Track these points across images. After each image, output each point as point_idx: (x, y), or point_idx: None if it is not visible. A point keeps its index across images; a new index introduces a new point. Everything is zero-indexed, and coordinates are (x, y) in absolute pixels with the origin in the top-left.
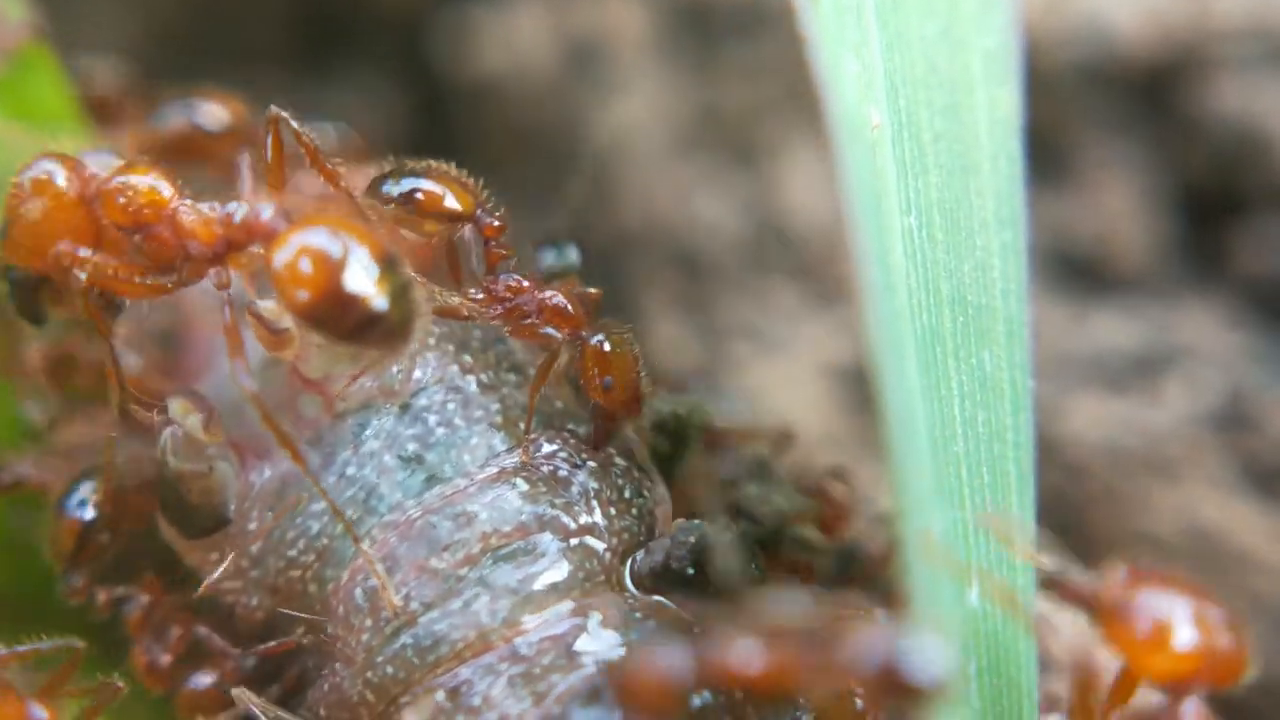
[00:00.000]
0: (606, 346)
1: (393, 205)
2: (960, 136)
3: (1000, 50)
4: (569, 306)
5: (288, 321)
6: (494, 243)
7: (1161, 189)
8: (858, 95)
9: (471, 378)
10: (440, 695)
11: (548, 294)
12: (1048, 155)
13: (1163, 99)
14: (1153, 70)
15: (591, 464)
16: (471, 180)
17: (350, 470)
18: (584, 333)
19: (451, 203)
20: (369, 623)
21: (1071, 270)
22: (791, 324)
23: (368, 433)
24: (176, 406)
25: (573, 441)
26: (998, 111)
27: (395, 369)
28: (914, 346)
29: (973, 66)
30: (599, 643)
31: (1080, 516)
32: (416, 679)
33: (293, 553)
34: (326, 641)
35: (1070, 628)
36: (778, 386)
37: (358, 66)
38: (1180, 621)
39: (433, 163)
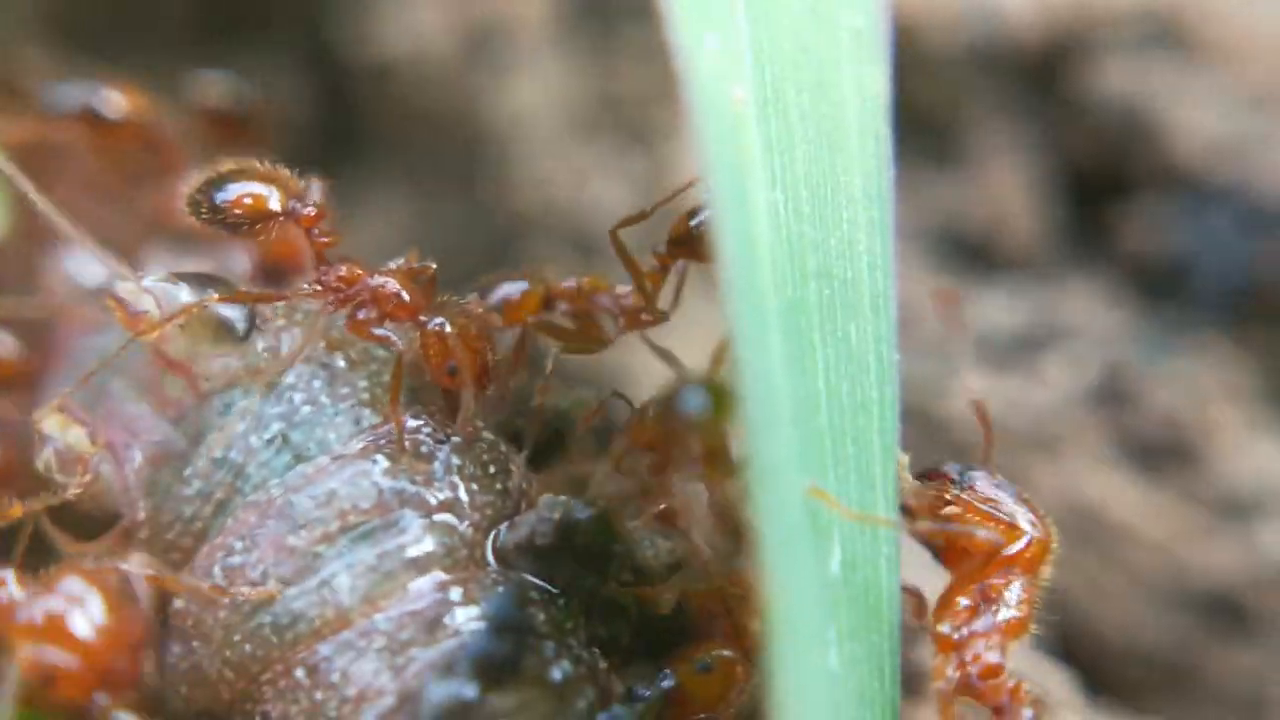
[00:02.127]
0: (447, 329)
1: (217, 217)
2: (828, 114)
3: (869, 28)
4: (403, 293)
5: (148, 303)
6: (316, 231)
7: (1049, 171)
8: (719, 71)
9: (339, 354)
10: (300, 672)
11: (380, 281)
12: (937, 138)
13: (1051, 82)
14: (1041, 53)
15: (456, 440)
16: (282, 169)
17: (217, 452)
18: (422, 317)
19: (274, 204)
20: (227, 600)
21: (960, 252)
22: (684, 306)
23: (233, 413)
24: (53, 423)
25: (437, 417)
26: (866, 89)
27: (260, 347)
28: (778, 318)
29: (841, 44)
30: (459, 618)
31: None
32: (276, 657)
33: (170, 535)
34: (182, 617)
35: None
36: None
37: (260, 50)
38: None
39: (243, 161)
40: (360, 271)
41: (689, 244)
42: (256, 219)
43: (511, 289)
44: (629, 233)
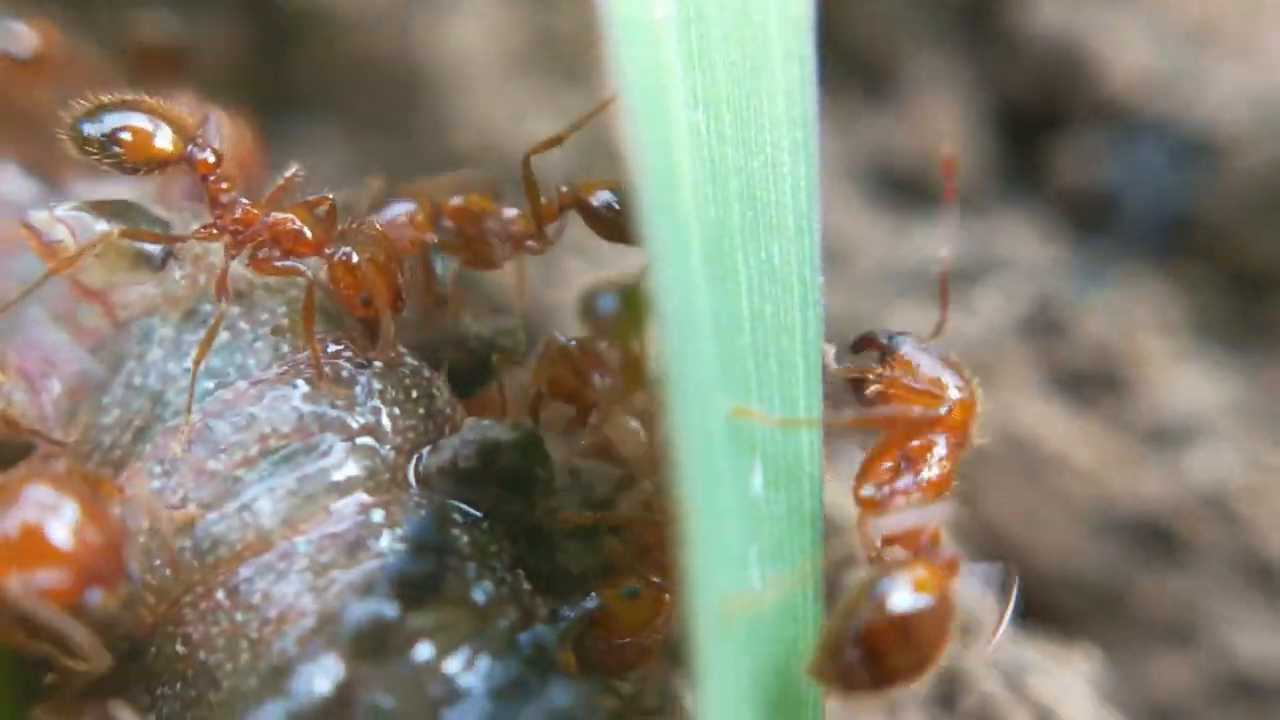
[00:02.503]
0: (354, 259)
1: (93, 148)
2: (751, 35)
3: None
4: (304, 229)
5: (61, 232)
6: (212, 179)
7: (983, 105)
8: None
9: (259, 278)
10: (220, 594)
11: (278, 218)
12: (871, 72)
13: (985, 16)
14: None
15: (377, 364)
16: (184, 112)
17: (136, 380)
18: (328, 250)
19: (162, 143)
20: (146, 524)
21: (895, 186)
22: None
23: (152, 340)
24: None
25: (358, 341)
26: (790, 11)
27: (178, 274)
28: (699, 240)
29: None
30: (381, 540)
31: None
32: (197, 580)
33: (89, 465)
34: None
35: None
36: None
37: None
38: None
39: (142, 95)
40: (256, 212)
41: (588, 212)
42: (143, 159)
43: (400, 209)
44: (569, 172)
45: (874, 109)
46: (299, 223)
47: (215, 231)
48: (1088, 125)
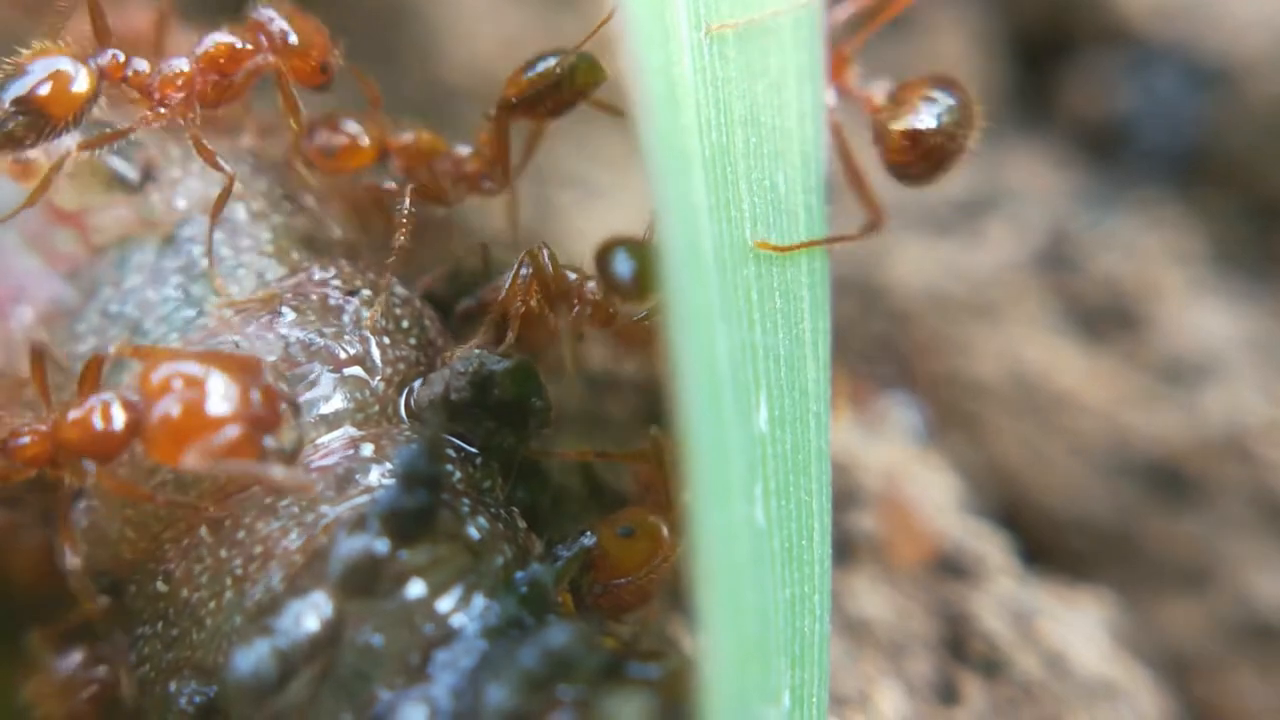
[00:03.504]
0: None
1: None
2: None
3: None
4: (234, 45)
5: (32, 150)
6: (131, 74)
7: (994, 32)
8: None
9: (240, 205)
10: (203, 530)
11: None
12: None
13: None
14: None
15: (365, 292)
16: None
17: (113, 307)
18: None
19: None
20: (127, 458)
21: None
22: (615, 172)
23: (129, 266)
24: None
25: (347, 269)
26: None
27: (155, 198)
28: (702, 165)
29: None
30: (370, 474)
31: (908, 363)
32: (179, 514)
33: (64, 397)
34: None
35: (879, 462)
36: (601, 234)
37: None
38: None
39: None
40: (184, 68)
41: (526, 102)
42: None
43: (336, 140)
44: None
45: (884, 35)
46: (222, 49)
47: (163, 111)
48: (1101, 52)
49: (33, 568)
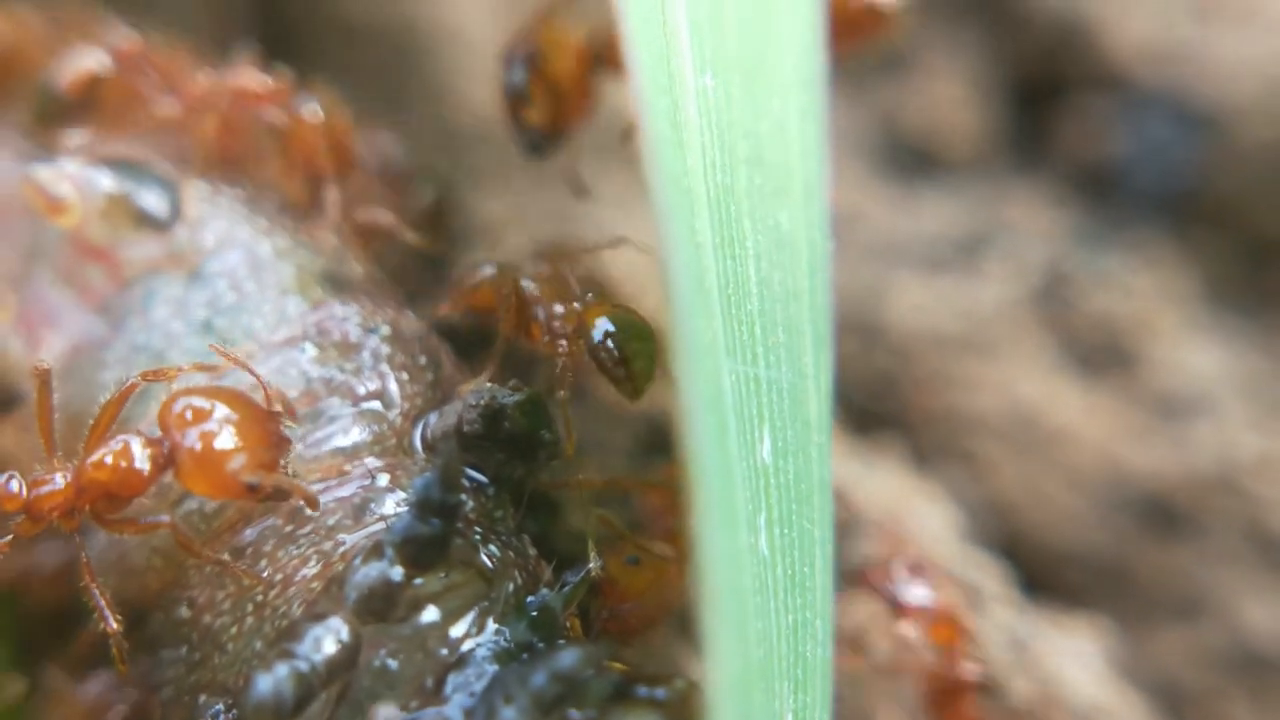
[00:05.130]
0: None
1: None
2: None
3: None
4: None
5: (66, 188)
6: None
7: (990, 73)
8: None
9: (266, 241)
10: (226, 557)
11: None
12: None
13: None
14: None
15: (385, 329)
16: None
17: (140, 338)
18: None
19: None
20: (152, 488)
21: (902, 156)
22: (622, 210)
23: (156, 300)
24: None
25: (368, 306)
26: None
27: (183, 234)
28: (707, 204)
29: None
30: (386, 503)
31: (908, 399)
32: (204, 543)
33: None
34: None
35: (880, 491)
36: (610, 268)
37: None
38: None
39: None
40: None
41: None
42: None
43: None
44: None
45: (881, 76)
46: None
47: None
48: (1094, 96)
49: (50, 589)
